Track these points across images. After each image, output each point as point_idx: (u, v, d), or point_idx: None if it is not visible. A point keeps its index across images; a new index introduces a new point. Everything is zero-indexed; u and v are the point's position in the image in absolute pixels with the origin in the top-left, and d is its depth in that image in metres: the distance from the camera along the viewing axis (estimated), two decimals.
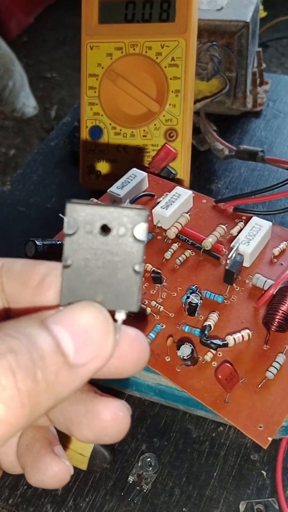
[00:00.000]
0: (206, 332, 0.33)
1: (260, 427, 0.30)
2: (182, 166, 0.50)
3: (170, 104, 0.49)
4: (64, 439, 0.21)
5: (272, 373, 0.31)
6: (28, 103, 1.79)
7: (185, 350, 0.32)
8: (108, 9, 0.51)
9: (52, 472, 0.19)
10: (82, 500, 0.34)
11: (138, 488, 0.34)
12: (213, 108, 0.61)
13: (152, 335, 0.35)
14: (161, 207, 0.41)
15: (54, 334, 0.15)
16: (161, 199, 0.42)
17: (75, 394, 0.18)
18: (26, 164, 0.62)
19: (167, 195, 0.42)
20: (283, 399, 0.31)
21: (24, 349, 0.15)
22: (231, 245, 0.37)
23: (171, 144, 0.50)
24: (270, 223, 0.38)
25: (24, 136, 1.77)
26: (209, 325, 0.34)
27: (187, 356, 0.32)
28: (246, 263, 0.37)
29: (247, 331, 0.33)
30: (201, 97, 0.56)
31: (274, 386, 0.31)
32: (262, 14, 0.63)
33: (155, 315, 0.36)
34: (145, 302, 0.36)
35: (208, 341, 0.32)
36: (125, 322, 0.17)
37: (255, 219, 0.38)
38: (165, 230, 0.40)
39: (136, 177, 0.44)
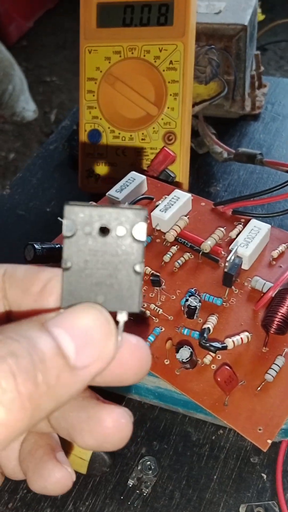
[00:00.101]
0: (205, 335, 0.33)
1: (259, 429, 0.30)
2: (181, 169, 0.50)
3: (168, 108, 0.49)
4: (66, 445, 0.21)
5: (271, 375, 0.31)
6: (27, 107, 1.79)
7: (184, 353, 0.32)
8: (106, 13, 0.51)
9: (54, 478, 0.18)
10: (82, 504, 0.34)
11: (138, 491, 0.34)
12: (211, 111, 0.61)
13: (151, 338, 0.35)
14: (160, 210, 0.41)
15: (54, 337, 0.15)
16: (160, 202, 0.42)
17: (77, 400, 0.18)
18: (25, 168, 0.62)
19: (165, 198, 0.42)
20: (283, 401, 0.31)
21: (24, 352, 0.14)
22: (230, 247, 0.37)
23: (169, 147, 0.50)
24: (268, 226, 0.38)
25: (24, 140, 1.77)
26: (208, 328, 0.34)
27: (186, 359, 0.32)
28: (245, 266, 0.37)
29: (246, 333, 0.33)
30: (199, 100, 0.56)
31: (274, 389, 0.31)
32: (260, 17, 0.64)
33: (154, 318, 0.36)
34: (144, 305, 0.36)
35: (207, 344, 0.32)
36: (124, 325, 0.17)
37: (253, 222, 0.38)
38: (164, 233, 0.40)
39: (135, 180, 0.44)
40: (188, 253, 0.39)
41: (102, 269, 0.17)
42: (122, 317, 0.17)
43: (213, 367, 0.33)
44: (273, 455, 0.34)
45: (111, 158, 0.52)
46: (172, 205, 0.41)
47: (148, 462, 0.35)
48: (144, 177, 0.45)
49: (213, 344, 0.32)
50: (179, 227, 0.40)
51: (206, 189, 0.55)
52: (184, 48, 0.48)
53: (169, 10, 0.49)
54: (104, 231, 0.17)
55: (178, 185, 0.49)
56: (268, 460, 0.34)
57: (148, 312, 0.36)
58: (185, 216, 0.41)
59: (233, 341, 0.32)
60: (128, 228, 0.17)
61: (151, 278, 0.37)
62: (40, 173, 0.61)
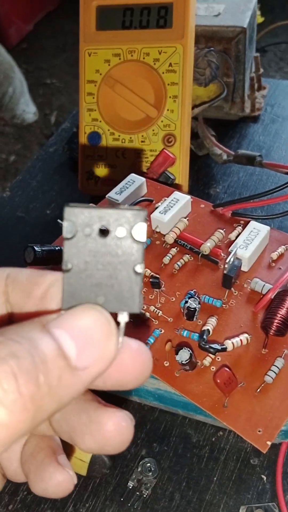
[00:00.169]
0: (204, 336, 0.33)
1: (259, 431, 0.30)
2: (180, 171, 0.50)
3: (168, 110, 0.50)
4: (68, 448, 0.21)
5: (271, 377, 0.31)
6: (28, 109, 1.80)
7: (184, 355, 0.32)
8: (105, 16, 0.51)
9: (56, 481, 0.19)
10: (82, 506, 0.34)
11: (138, 493, 0.34)
12: (211, 113, 0.61)
13: (151, 340, 0.35)
14: (160, 212, 0.41)
15: (55, 338, 0.15)
16: (159, 204, 0.42)
17: (78, 403, 0.18)
18: (25, 170, 0.62)
19: (165, 200, 0.42)
20: (282, 403, 0.31)
21: (26, 353, 0.15)
22: (229, 249, 0.37)
23: (169, 149, 0.50)
24: (268, 228, 0.38)
25: (24, 142, 1.78)
26: (208, 329, 0.34)
27: (186, 360, 0.32)
28: (245, 268, 0.37)
29: (246, 335, 0.33)
30: (199, 103, 0.56)
31: (273, 390, 0.31)
32: (259, 19, 0.64)
33: (153, 320, 0.36)
34: (143, 307, 0.36)
35: (207, 346, 0.32)
36: (125, 326, 0.17)
37: (253, 224, 0.39)
38: (164, 235, 0.41)
39: (134, 183, 0.44)
40: (187, 255, 0.39)
41: (103, 270, 0.17)
42: (123, 318, 0.17)
43: (213, 368, 0.33)
44: (273, 456, 0.34)
45: (111, 160, 0.52)
46: (172, 207, 0.41)
47: (148, 464, 0.35)
48: (143, 179, 0.45)
49: (213, 346, 0.32)
50: (179, 229, 0.40)
51: (205, 191, 0.56)
52: (183, 51, 0.48)
53: (168, 13, 0.49)
54: (104, 232, 0.17)
55: (177, 187, 0.49)
56: (268, 462, 0.34)
57: (147, 314, 0.36)
58: (185, 218, 0.41)
59: (232, 343, 0.32)
60: (128, 229, 0.17)
61: (150, 280, 0.37)
62: (40, 175, 0.61)
